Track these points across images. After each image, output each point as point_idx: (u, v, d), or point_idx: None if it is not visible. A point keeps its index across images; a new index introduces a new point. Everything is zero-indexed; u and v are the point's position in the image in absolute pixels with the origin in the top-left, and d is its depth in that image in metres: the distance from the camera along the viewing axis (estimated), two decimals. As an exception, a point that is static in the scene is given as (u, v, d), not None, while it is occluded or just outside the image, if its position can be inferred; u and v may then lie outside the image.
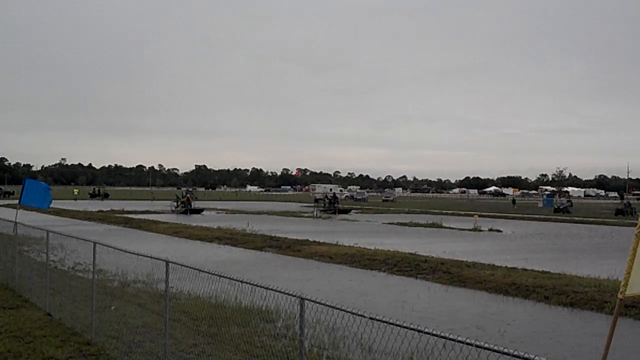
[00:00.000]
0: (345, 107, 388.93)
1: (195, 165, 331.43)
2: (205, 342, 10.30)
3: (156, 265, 10.19)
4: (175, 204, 66.82)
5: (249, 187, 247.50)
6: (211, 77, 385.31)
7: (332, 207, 70.12)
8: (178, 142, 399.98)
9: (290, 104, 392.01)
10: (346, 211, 70.43)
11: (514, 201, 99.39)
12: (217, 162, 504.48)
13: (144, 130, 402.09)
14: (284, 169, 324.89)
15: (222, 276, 8.24)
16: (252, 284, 7.54)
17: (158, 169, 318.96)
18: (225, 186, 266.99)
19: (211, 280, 8.80)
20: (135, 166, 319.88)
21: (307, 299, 6.39)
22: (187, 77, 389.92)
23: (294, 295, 6.58)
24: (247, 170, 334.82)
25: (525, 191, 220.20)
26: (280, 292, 6.96)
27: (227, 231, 36.30)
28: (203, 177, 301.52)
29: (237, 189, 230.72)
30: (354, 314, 5.78)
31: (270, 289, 7.15)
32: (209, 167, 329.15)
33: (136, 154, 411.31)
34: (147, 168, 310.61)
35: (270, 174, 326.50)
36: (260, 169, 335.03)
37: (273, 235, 33.36)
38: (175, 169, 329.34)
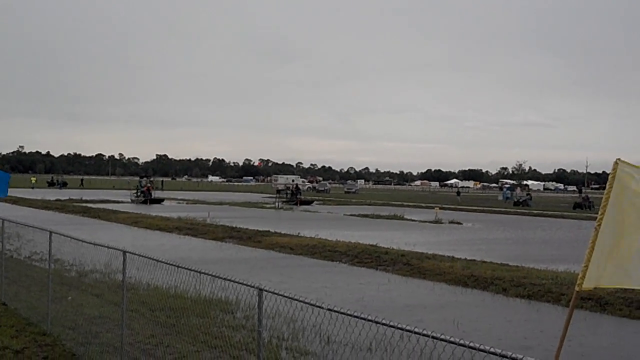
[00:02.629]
0: (310, 98, 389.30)
1: (157, 155, 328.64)
2: (163, 333, 10.21)
3: (114, 255, 10.07)
4: (135, 193, 66.11)
5: (210, 178, 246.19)
6: (174, 66, 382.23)
7: (294, 198, 70.12)
8: (139, 131, 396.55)
9: (254, 94, 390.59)
10: (308, 202, 70.47)
11: (458, 193, 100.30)
12: (178, 151, 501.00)
13: (104, 119, 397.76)
14: (246, 160, 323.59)
15: (181, 267, 8.18)
16: (211, 275, 7.50)
17: (118, 157, 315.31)
18: (186, 176, 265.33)
19: (170, 271, 8.72)
20: (94, 155, 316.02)
21: (265, 290, 6.36)
22: (150, 65, 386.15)
23: (252, 286, 6.55)
24: (209, 161, 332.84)
25: (486, 184, 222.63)
26: (239, 282, 6.92)
27: (188, 221, 36.05)
28: (164, 167, 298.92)
29: (199, 179, 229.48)
30: (312, 305, 5.77)
31: (229, 280, 7.12)
32: (170, 157, 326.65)
33: (96, 142, 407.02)
34: (107, 157, 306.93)
35: (232, 165, 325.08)
36: (223, 159, 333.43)
37: (234, 226, 33.22)
38: (136, 158, 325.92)
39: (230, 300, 11.91)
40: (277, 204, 62.60)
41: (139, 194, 65.15)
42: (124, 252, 9.21)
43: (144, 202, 61.53)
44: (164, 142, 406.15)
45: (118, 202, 61.50)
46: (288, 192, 73.98)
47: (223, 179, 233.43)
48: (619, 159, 4.34)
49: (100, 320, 11.43)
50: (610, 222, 4.35)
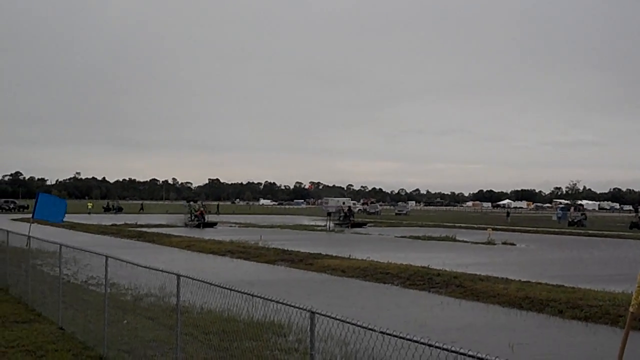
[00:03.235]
0: (358, 120, 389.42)
1: (209, 179, 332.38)
2: (217, 357, 10.27)
3: (168, 279, 10.21)
4: (189, 217, 66.96)
5: (262, 201, 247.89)
6: (223, 91, 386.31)
7: (347, 220, 70.06)
8: (191, 156, 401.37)
9: (303, 117, 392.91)
10: (361, 224, 70.30)
11: (508, 214, 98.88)
12: (230, 175, 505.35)
13: (157, 144, 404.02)
14: (297, 183, 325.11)
15: (234, 290, 8.25)
16: (263, 298, 7.55)
17: (172, 182, 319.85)
18: (238, 200, 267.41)
19: (223, 294, 8.80)
20: (148, 180, 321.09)
21: (317, 313, 6.39)
22: (200, 90, 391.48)
23: (305, 309, 6.57)
24: (260, 184, 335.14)
25: (539, 204, 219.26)
26: (291, 305, 6.96)
27: (240, 245, 36.29)
28: (216, 191, 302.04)
29: (251, 203, 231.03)
30: (364, 327, 5.76)
31: (281, 303, 7.16)
32: (222, 181, 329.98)
33: (149, 167, 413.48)
34: (161, 181, 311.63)
35: (283, 188, 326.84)
36: (273, 183, 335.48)
37: (285, 248, 33.33)
38: (189, 182, 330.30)
39: (283, 323, 11.93)
40: (328, 226, 62.60)
41: (192, 217, 65.88)
42: (178, 276, 9.33)
43: (197, 226, 62.19)
44: (216, 166, 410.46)
45: (172, 226, 62.30)
46: (341, 214, 73.74)
47: (274, 202, 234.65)
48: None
49: (155, 343, 11.57)
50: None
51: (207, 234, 48.92)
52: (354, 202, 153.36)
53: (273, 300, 7.33)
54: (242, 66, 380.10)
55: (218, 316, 11.94)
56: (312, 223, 74.19)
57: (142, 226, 59.57)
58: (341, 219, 71.41)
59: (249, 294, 7.85)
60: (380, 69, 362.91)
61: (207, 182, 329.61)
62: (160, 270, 10.16)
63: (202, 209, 68.20)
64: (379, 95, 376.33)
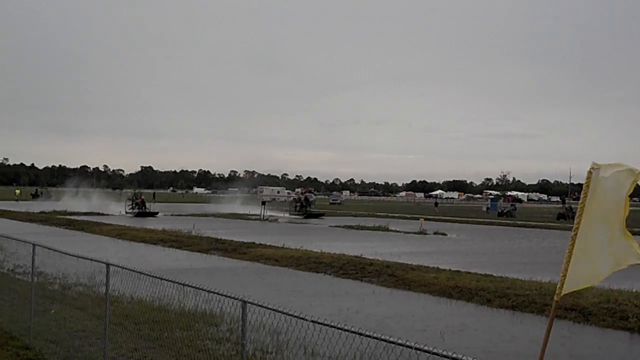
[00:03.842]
0: (295, 109, 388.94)
1: (141, 167, 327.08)
2: (146, 347, 10.15)
3: (97, 268, 10.02)
4: (130, 205, 64.80)
5: (196, 189, 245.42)
6: (158, 78, 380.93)
7: (304, 210, 68.71)
8: (124, 143, 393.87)
9: (239, 105, 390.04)
10: (317, 215, 68.26)
11: (436, 204, 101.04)
12: (163, 163, 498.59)
13: (89, 131, 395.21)
14: (232, 171, 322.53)
15: (165, 279, 8.15)
16: (195, 287, 7.48)
17: (103, 169, 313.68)
18: (171, 188, 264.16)
19: (154, 283, 8.69)
20: (79, 167, 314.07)
21: (249, 302, 6.36)
22: (134, 77, 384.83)
23: (236, 298, 6.54)
24: (194, 172, 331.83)
25: (470, 195, 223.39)
26: (223, 295, 6.91)
27: (172, 233, 35.89)
28: (149, 179, 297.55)
29: (184, 191, 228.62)
30: (296, 317, 5.76)
31: (213, 292, 7.10)
32: (155, 169, 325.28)
33: (80, 154, 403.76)
34: (92, 169, 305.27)
35: (217, 176, 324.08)
36: (208, 171, 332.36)
37: (219, 237, 33.13)
38: (121, 169, 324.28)
39: (215, 312, 11.87)
40: (262, 215, 62.34)
41: (133, 206, 64.49)
42: (107, 265, 9.17)
43: (138, 215, 61.08)
44: (149, 153, 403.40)
45: (109, 215, 60.93)
46: (297, 204, 71.60)
47: (208, 191, 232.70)
48: (595, 165, 4.38)
49: (83, 333, 11.35)
50: (588, 229, 4.40)
51: (143, 223, 48.22)
52: (288, 191, 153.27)
53: (204, 290, 7.27)
54: (178, 53, 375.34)
55: (148, 306, 11.79)
56: (247, 212, 73.85)
57: (72, 214, 58.30)
58: (297, 209, 69.90)
59: (180, 283, 7.77)
60: (318, 59, 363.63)
61: (139, 169, 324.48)
62: (89, 259, 9.96)
63: (142, 197, 66.88)
64: (316, 85, 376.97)
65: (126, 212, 63.10)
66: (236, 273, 22.10)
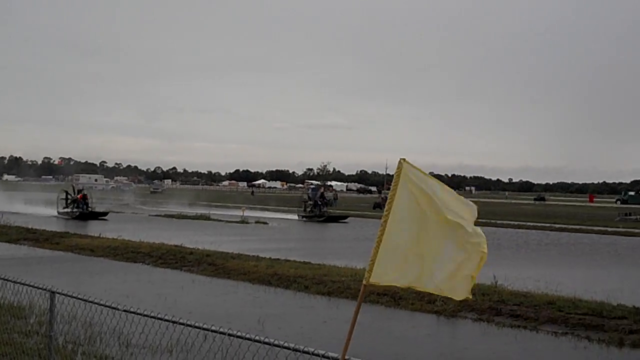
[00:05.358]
0: (115, 95, 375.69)
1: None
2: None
3: None
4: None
5: (5, 176, 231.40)
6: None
7: (318, 211, 51.69)
8: None
9: (55, 90, 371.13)
10: (341, 217, 53.12)
11: (252, 193, 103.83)
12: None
13: None
14: (46, 158, 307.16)
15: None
16: (1, 278, 7.11)
17: None
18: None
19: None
20: None
21: (58, 292, 6.13)
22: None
23: (44, 289, 6.28)
24: (5, 158, 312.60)
25: (292, 184, 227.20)
26: (30, 285, 6.63)
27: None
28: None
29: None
30: (108, 306, 5.64)
31: (20, 283, 6.79)
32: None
33: None
34: None
35: (30, 163, 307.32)
36: (19, 157, 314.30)
37: (30, 227, 31.44)
38: None
39: (23, 304, 11.29)
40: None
41: None
42: None
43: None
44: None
45: None
46: (309, 202, 54.29)
47: (19, 178, 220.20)
48: (403, 159, 4.60)
49: None
50: (396, 220, 4.60)
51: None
52: (107, 179, 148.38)
53: (10, 281, 6.92)
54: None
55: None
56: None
57: None
58: (309, 210, 53.06)
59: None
60: (142, 43, 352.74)
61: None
62: None
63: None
64: (138, 71, 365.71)
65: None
66: (48, 263, 21.14)
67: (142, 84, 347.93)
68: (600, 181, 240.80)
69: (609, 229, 46.21)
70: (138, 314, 5.46)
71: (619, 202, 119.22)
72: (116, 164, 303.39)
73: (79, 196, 46.98)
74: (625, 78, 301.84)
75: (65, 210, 46.85)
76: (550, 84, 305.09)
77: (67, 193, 48.29)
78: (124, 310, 5.47)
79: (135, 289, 16.88)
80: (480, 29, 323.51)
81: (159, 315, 5.38)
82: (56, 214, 46.87)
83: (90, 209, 46.59)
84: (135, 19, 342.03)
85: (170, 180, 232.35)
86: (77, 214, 45.38)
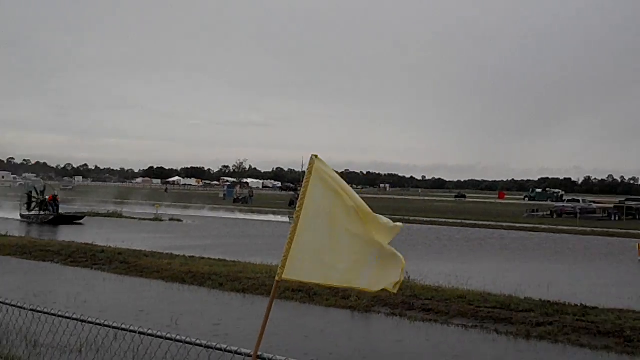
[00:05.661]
0: (23, 90, 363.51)
1: None
2: None
3: None
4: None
5: None
6: None
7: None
8: None
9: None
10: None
11: (166, 190, 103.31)
12: None
13: None
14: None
15: None
16: None
17: None
18: None
19: None
20: None
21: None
22: None
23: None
24: None
25: (208, 182, 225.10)
26: None
27: None
28: None
29: None
30: (14, 305, 5.47)
31: None
32: None
33: None
34: None
35: None
36: None
37: None
38: None
39: None
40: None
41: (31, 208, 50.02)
42: None
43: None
44: None
45: None
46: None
47: None
48: (315, 155, 4.64)
49: None
50: (309, 216, 4.63)
51: None
52: (14, 176, 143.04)
53: None
54: None
55: None
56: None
57: None
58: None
59: None
60: (50, 36, 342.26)
61: None
62: None
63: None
64: (48, 65, 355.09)
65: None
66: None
67: (51, 79, 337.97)
68: (510, 179, 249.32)
69: (517, 225, 47.77)
70: (46, 313, 5.32)
71: (526, 199, 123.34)
72: (24, 160, 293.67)
73: (48, 197, 41.96)
74: (532, 82, 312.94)
75: (32, 213, 42.08)
76: (464, 85, 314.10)
77: (30, 194, 42.98)
78: (32, 310, 5.32)
79: (44, 288, 16.41)
80: (396, 32, 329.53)
81: (68, 314, 5.26)
82: (19, 217, 42.29)
83: (64, 213, 41.97)
84: (44, 13, 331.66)
85: (81, 178, 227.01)
86: (52, 217, 40.24)
